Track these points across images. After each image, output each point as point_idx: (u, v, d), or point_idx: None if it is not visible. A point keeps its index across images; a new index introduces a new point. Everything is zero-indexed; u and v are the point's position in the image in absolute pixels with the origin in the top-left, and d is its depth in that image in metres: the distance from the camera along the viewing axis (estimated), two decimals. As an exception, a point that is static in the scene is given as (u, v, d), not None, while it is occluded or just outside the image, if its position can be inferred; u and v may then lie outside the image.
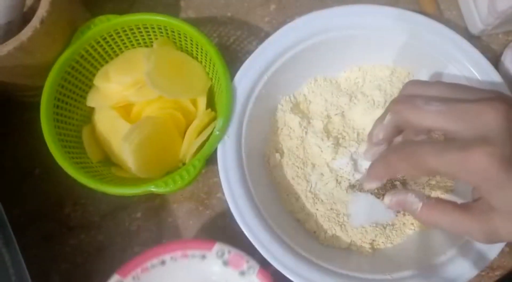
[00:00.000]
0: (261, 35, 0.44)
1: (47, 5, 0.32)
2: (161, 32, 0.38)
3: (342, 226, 0.37)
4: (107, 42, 0.38)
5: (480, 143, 0.23)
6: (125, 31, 0.37)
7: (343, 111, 0.40)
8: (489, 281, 0.38)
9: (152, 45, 0.39)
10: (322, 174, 0.38)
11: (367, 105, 0.39)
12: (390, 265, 0.35)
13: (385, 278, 0.33)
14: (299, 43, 0.38)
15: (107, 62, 0.39)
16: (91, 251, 0.39)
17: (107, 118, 0.38)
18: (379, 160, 0.29)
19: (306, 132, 0.39)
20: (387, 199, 0.30)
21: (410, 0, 0.45)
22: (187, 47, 0.39)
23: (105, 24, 0.36)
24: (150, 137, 0.35)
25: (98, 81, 0.38)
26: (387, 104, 0.39)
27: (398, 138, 0.31)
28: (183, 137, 0.37)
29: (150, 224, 0.40)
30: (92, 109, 0.39)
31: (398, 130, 0.29)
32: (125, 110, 0.38)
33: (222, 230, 0.40)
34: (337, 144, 0.38)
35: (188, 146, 0.36)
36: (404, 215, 0.38)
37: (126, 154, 0.35)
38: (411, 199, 0.28)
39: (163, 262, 0.32)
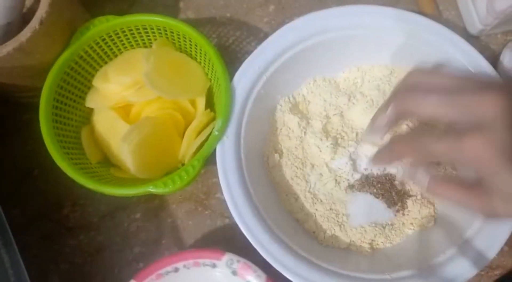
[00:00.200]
0: (260, 36, 0.44)
1: (47, 6, 0.32)
2: (160, 33, 0.38)
3: (341, 226, 0.37)
4: (106, 43, 0.38)
5: (476, 131, 0.24)
6: (124, 32, 0.38)
7: (342, 112, 0.40)
8: (488, 281, 0.38)
9: (151, 46, 0.39)
10: (321, 174, 0.38)
11: (366, 105, 0.39)
12: (389, 265, 0.35)
13: (385, 278, 0.33)
14: (298, 44, 0.38)
15: (106, 63, 0.39)
16: (90, 251, 0.39)
17: (106, 119, 0.38)
18: (384, 147, 0.31)
19: (305, 133, 0.39)
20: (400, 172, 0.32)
21: (409, 1, 0.45)
22: (186, 47, 0.39)
23: (104, 25, 0.36)
24: (149, 138, 0.35)
25: (97, 82, 0.38)
26: (386, 104, 0.39)
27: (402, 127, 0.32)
28: (182, 137, 0.37)
29: (149, 224, 0.40)
30: (91, 110, 0.39)
31: (400, 118, 0.31)
32: (124, 111, 0.38)
33: (221, 230, 0.40)
34: (336, 144, 0.38)
35: (187, 146, 0.36)
36: (403, 214, 0.38)
37: (125, 154, 0.35)
38: (421, 172, 0.29)
39: (176, 270, 0.34)
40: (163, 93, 0.36)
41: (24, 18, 0.34)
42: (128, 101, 0.37)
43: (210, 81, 0.39)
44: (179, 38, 0.38)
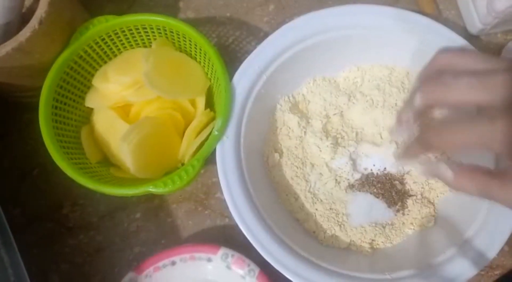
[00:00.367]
0: (260, 35, 0.44)
1: (46, 5, 0.32)
2: (160, 33, 0.38)
3: (342, 225, 0.37)
4: (106, 42, 0.38)
5: (509, 112, 0.23)
6: (123, 31, 0.37)
7: (342, 111, 0.40)
8: (488, 280, 0.38)
9: (150, 46, 0.39)
10: (321, 174, 0.38)
11: (366, 105, 0.39)
12: (389, 265, 0.34)
13: (385, 277, 0.33)
14: (298, 43, 0.38)
15: (105, 62, 0.39)
16: (90, 251, 0.39)
17: (106, 118, 0.38)
18: (415, 140, 0.29)
19: (305, 132, 0.39)
20: (421, 168, 0.30)
21: (409, 0, 0.45)
22: (186, 47, 0.39)
23: (103, 24, 0.36)
24: (148, 137, 0.35)
25: (96, 81, 0.38)
26: (386, 103, 0.39)
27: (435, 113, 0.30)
28: (182, 137, 0.37)
29: (149, 224, 0.40)
30: (90, 110, 0.39)
31: (429, 108, 0.29)
32: (124, 110, 0.38)
33: (221, 230, 0.40)
34: (336, 144, 0.38)
35: (187, 146, 0.36)
36: (403, 214, 0.38)
37: (125, 154, 0.35)
38: (442, 168, 0.28)
39: (173, 263, 0.35)
40: (163, 93, 0.36)
41: (23, 18, 0.34)
42: (127, 101, 0.37)
43: (210, 81, 0.39)
44: (178, 38, 0.38)
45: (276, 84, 0.38)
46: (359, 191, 0.37)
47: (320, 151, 0.38)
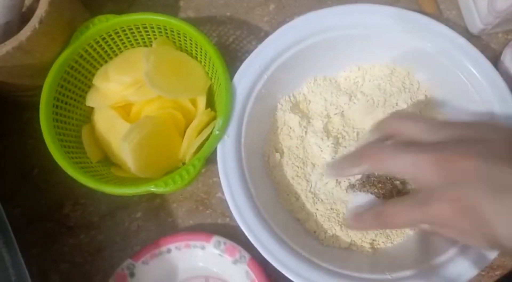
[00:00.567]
0: (260, 35, 0.44)
1: (46, 5, 0.32)
2: (161, 32, 0.38)
3: (342, 225, 0.37)
4: (106, 42, 0.38)
5: (442, 197, 0.26)
6: (124, 31, 0.37)
7: (342, 111, 0.40)
8: (489, 281, 0.38)
9: (151, 45, 0.39)
10: (322, 174, 0.38)
11: (366, 104, 0.39)
12: (390, 265, 0.34)
13: (385, 277, 0.33)
14: (299, 43, 0.38)
15: (106, 62, 0.39)
16: (91, 251, 0.39)
17: (107, 118, 0.38)
18: (348, 156, 0.32)
19: (306, 132, 0.39)
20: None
21: (410, 0, 0.44)
22: (186, 47, 0.39)
23: (104, 24, 0.36)
24: (149, 137, 0.35)
25: (97, 81, 0.38)
26: (386, 103, 0.39)
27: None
28: (183, 137, 0.37)
29: (150, 224, 0.40)
30: (91, 109, 0.39)
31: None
32: (125, 110, 0.38)
33: (222, 230, 0.40)
34: (337, 143, 0.38)
35: (188, 145, 0.36)
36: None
37: (126, 153, 0.35)
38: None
39: (169, 250, 0.37)
40: (163, 93, 0.36)
41: (23, 17, 0.34)
42: (128, 100, 0.37)
43: (211, 81, 0.39)
44: (179, 37, 0.38)
45: (277, 84, 0.38)
46: (360, 191, 0.37)
47: (321, 150, 0.38)
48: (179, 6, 0.45)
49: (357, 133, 0.39)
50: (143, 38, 0.39)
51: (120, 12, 0.37)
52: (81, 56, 0.37)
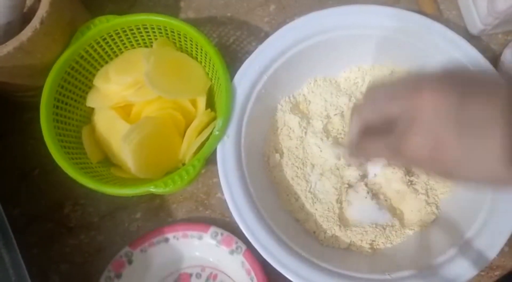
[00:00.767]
0: (260, 36, 0.44)
1: (47, 5, 0.32)
2: (161, 33, 0.38)
3: (342, 226, 0.37)
4: (107, 42, 0.38)
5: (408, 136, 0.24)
6: (125, 31, 0.38)
7: (342, 112, 0.40)
8: (488, 281, 0.38)
9: (151, 46, 0.39)
10: (321, 174, 0.38)
11: (366, 105, 0.39)
12: (389, 265, 0.35)
13: (385, 278, 0.33)
14: (299, 43, 0.38)
15: (107, 62, 0.39)
16: (91, 251, 0.39)
17: (107, 118, 0.38)
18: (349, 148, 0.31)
19: (305, 133, 0.39)
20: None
21: (410, 0, 0.45)
22: (186, 47, 0.39)
23: (104, 24, 0.36)
24: (149, 137, 0.35)
25: (98, 81, 0.38)
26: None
27: None
28: (183, 137, 0.37)
29: (150, 224, 0.40)
30: (91, 110, 0.39)
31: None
32: (125, 110, 0.38)
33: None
34: (336, 144, 0.38)
35: (188, 146, 0.36)
36: (403, 215, 0.38)
37: (126, 153, 0.35)
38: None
39: (166, 239, 0.38)
40: (164, 93, 0.36)
41: (24, 18, 0.34)
42: (128, 101, 0.37)
43: (211, 81, 0.39)
44: (179, 37, 0.38)
45: (277, 84, 0.38)
46: (360, 191, 0.37)
47: (321, 151, 0.38)
48: (180, 7, 0.45)
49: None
50: (144, 39, 0.39)
51: (120, 13, 0.37)
52: (82, 56, 0.37)
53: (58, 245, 0.40)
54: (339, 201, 0.37)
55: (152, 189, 0.33)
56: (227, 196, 0.34)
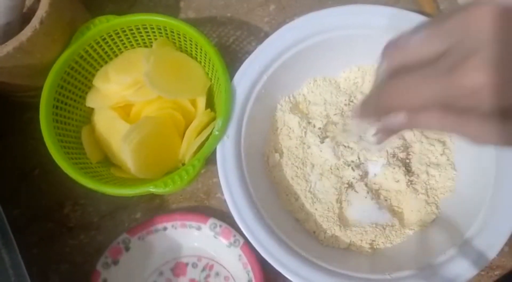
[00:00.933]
0: (260, 36, 0.44)
1: (47, 5, 0.32)
2: (161, 33, 0.38)
3: (342, 226, 0.37)
4: (107, 42, 0.38)
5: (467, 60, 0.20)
6: (124, 31, 0.38)
7: (342, 111, 0.40)
8: (488, 281, 0.38)
9: (151, 46, 0.39)
10: (321, 174, 0.38)
11: (366, 105, 0.39)
12: (389, 265, 0.35)
13: (385, 278, 0.33)
14: (299, 43, 0.38)
15: (106, 62, 0.39)
16: (91, 251, 0.39)
17: (107, 118, 0.38)
18: (370, 99, 0.26)
19: (305, 132, 0.39)
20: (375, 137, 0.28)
21: (410, 0, 0.45)
22: (186, 47, 0.39)
23: (104, 24, 0.36)
24: (149, 137, 0.35)
25: (97, 81, 0.38)
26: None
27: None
28: (183, 137, 0.37)
29: (150, 224, 0.40)
30: (91, 110, 0.39)
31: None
32: (124, 110, 0.38)
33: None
34: (336, 144, 0.38)
35: (188, 146, 0.36)
36: (403, 214, 0.38)
37: (125, 154, 0.35)
38: (392, 116, 0.25)
39: (165, 228, 0.38)
40: (163, 93, 0.36)
41: (24, 18, 0.34)
42: (128, 101, 0.37)
43: (211, 81, 0.39)
44: (179, 37, 0.38)
45: (277, 84, 0.38)
46: (360, 191, 0.37)
47: (321, 151, 0.38)
48: (180, 7, 0.45)
49: (357, 134, 0.39)
50: (143, 39, 0.39)
51: (120, 13, 0.37)
52: (82, 56, 0.37)
53: (58, 245, 0.40)
54: (339, 201, 0.37)
55: (152, 189, 0.33)
56: (227, 196, 0.34)
